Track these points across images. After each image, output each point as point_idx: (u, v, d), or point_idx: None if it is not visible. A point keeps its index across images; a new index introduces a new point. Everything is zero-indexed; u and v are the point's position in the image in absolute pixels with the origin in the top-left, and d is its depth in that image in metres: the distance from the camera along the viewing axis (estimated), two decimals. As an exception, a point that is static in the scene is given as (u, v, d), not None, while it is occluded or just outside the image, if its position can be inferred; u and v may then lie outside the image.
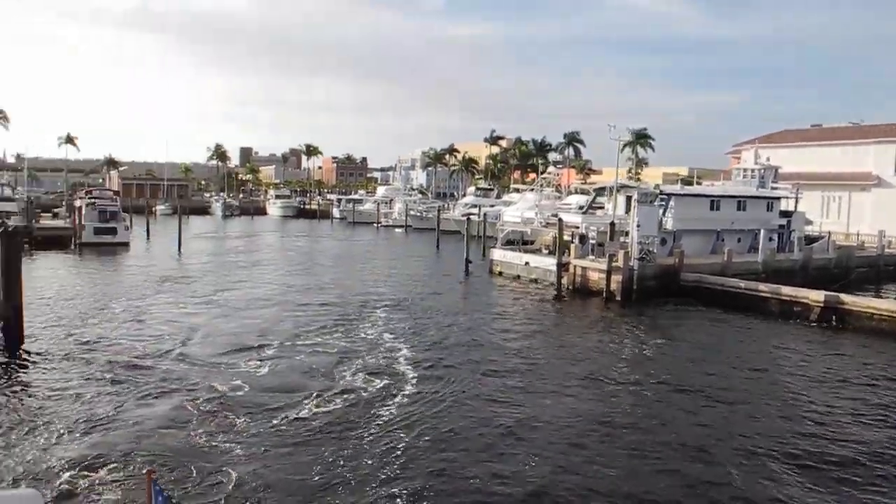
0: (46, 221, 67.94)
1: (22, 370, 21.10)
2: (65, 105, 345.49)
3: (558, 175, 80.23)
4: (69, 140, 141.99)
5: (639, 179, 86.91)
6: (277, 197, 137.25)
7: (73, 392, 18.81)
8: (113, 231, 61.16)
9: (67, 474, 13.49)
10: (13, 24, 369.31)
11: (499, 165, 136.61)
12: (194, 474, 13.62)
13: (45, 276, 40.86)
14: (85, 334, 25.65)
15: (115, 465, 13.99)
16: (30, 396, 18.65)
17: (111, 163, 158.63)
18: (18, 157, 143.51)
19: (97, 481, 13.26)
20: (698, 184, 58.11)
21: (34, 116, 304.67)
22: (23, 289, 23.91)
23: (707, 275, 37.31)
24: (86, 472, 13.61)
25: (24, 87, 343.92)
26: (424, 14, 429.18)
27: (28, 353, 22.71)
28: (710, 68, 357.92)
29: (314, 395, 18.90)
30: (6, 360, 21.90)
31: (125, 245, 60.55)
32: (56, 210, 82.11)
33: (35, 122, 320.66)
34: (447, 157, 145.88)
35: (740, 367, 23.86)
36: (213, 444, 15.28)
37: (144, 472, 9.58)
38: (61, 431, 15.87)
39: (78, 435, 15.66)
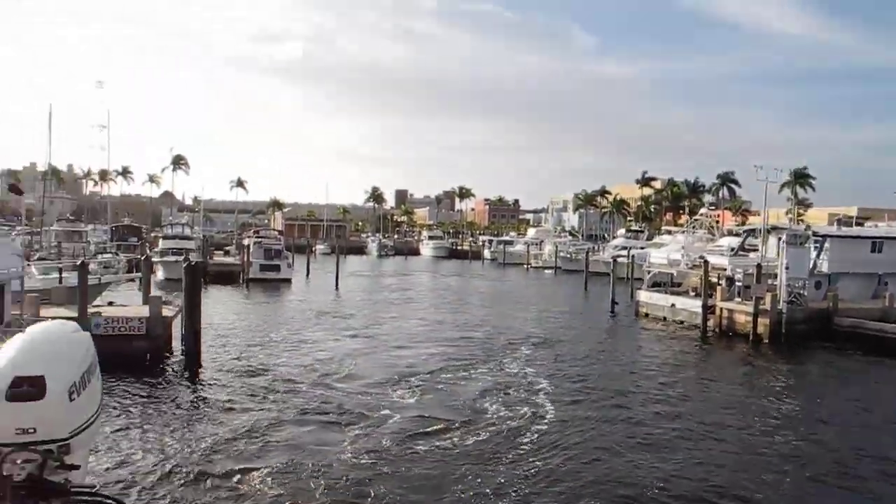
0: (219, 258, 73.55)
1: (199, 385, 23.77)
2: (235, 150, 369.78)
3: (710, 217, 78.59)
4: (239, 184, 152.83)
5: (801, 221, 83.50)
6: (430, 238, 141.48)
7: (240, 406, 20.94)
8: (277, 268, 65.44)
9: (233, 473, 15.29)
10: (189, 77, 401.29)
11: (651, 207, 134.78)
12: (341, 489, 14.97)
13: (217, 307, 44.50)
14: (250, 358, 28.07)
15: (272, 469, 15.64)
16: (205, 406, 21.14)
17: (276, 204, 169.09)
18: (195, 199, 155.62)
19: (254, 482, 14.92)
20: (859, 224, 55.52)
21: (208, 161, 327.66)
22: (201, 316, 26.78)
23: (865, 320, 35.72)
24: (246, 474, 15.36)
25: (199, 134, 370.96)
26: (577, 55, 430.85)
27: (204, 371, 25.46)
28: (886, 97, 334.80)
29: (458, 424, 19.71)
30: (188, 376, 24.81)
31: (287, 281, 64.58)
32: (227, 248, 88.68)
33: (208, 166, 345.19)
34: (598, 198, 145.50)
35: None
36: (361, 462, 16.50)
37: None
38: (227, 437, 17.86)
39: (240, 443, 17.52)
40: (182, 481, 15.01)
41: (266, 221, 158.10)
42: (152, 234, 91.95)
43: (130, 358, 24.71)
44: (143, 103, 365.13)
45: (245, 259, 64.89)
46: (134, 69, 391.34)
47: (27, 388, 3.05)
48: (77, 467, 3.19)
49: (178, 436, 18.15)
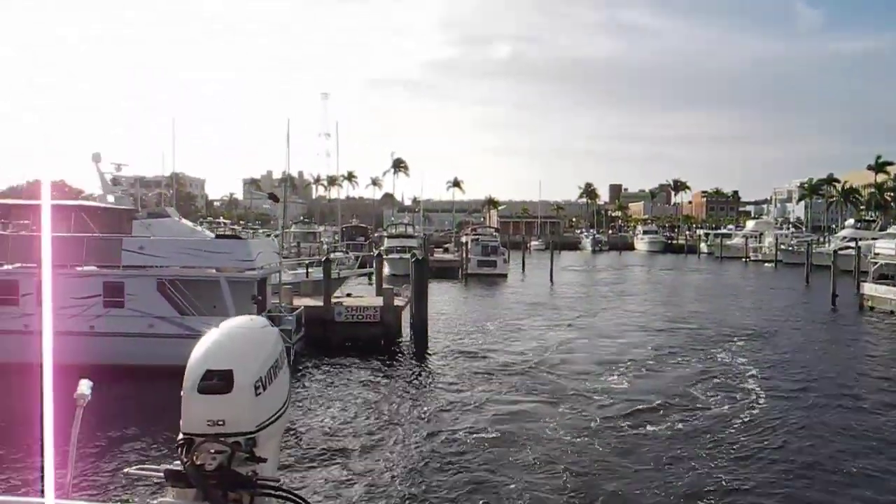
0: (438, 255, 78.12)
1: (426, 366, 26.81)
2: (450, 152, 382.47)
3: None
4: (456, 184, 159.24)
5: None
6: (645, 232, 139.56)
7: (461, 385, 23.58)
8: (493, 264, 68.61)
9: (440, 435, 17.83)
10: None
11: (885, 195, 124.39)
12: (555, 464, 16.89)
13: (439, 299, 48.01)
14: (470, 344, 30.75)
15: (491, 435, 17.98)
16: (431, 384, 24.07)
17: (491, 203, 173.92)
18: (414, 199, 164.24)
19: (465, 443, 17.31)
20: None
21: (425, 163, 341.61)
22: (427, 305, 30.01)
23: None
24: (463, 435, 17.78)
25: (414, 136, 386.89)
26: (801, 33, 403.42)
27: (430, 353, 28.48)
28: None
29: (666, 408, 20.65)
30: (416, 358, 27.97)
31: (503, 276, 67.50)
32: (446, 245, 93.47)
33: (426, 168, 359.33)
34: (825, 187, 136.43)
35: None
36: (573, 440, 17.99)
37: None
38: (447, 411, 20.54)
39: (457, 413, 20.18)
40: (406, 455, 17.50)
41: (482, 219, 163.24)
42: (375, 234, 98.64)
43: (367, 342, 28.24)
44: (356, 109, 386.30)
45: (463, 255, 68.61)
46: (348, 77, 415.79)
47: (216, 382, 3.17)
48: (264, 460, 3.26)
49: (405, 408, 20.98)
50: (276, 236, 42.28)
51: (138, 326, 23.35)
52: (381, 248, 65.76)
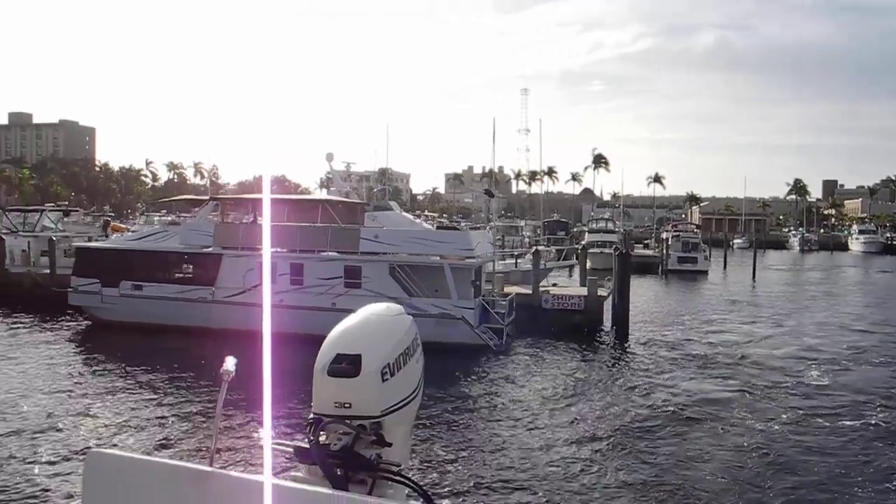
0: (638, 251, 78.51)
1: (626, 352, 28.70)
2: (646, 145, 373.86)
3: None
4: (657, 179, 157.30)
5: None
6: (861, 232, 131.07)
7: (655, 369, 25.46)
8: (694, 260, 68.32)
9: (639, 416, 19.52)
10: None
11: None
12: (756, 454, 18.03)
13: (639, 292, 49.10)
14: (669, 336, 32.14)
15: (683, 421, 19.50)
16: (628, 368, 25.91)
17: (692, 199, 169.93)
18: (614, 195, 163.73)
19: (657, 425, 18.91)
20: None
21: (621, 157, 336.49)
22: (629, 297, 31.71)
23: None
24: (654, 418, 19.44)
25: (612, 132, 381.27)
26: None
27: (630, 342, 30.27)
28: None
29: (873, 405, 20.82)
30: (617, 344, 29.95)
31: (704, 273, 67.03)
32: (646, 241, 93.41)
33: (624, 162, 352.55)
34: None
35: None
36: (767, 429, 19.21)
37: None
38: (641, 392, 22.37)
39: (651, 397, 21.72)
40: (593, 434, 18.35)
41: (682, 216, 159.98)
42: (574, 229, 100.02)
43: (571, 328, 30.37)
44: (552, 104, 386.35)
45: (664, 251, 68.86)
46: (547, 70, 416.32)
47: (345, 366, 3.17)
48: (389, 445, 3.22)
49: (600, 389, 23.03)
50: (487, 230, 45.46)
51: (373, 305, 26.85)
52: (582, 242, 67.39)
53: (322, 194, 49.49)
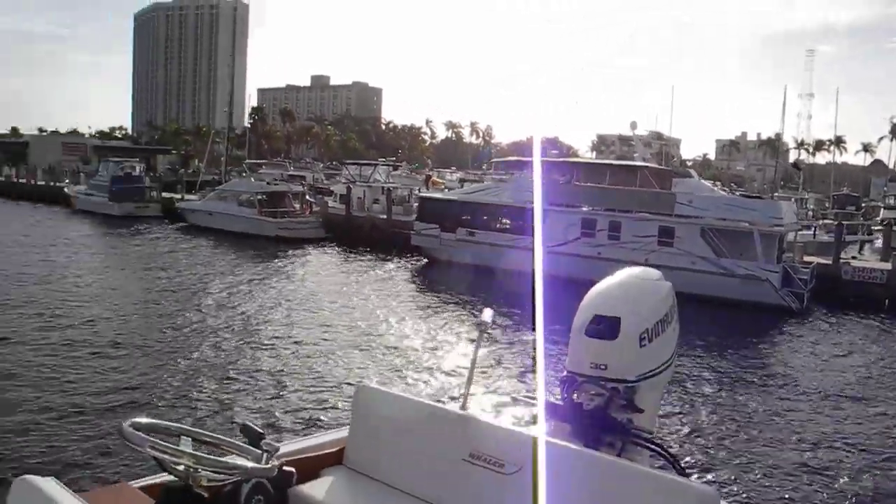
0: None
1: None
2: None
3: None
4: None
5: None
6: None
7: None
8: None
9: None
10: None
11: None
12: None
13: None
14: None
15: None
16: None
17: None
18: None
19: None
20: None
21: None
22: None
23: None
24: None
25: None
26: None
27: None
28: None
29: None
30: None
31: None
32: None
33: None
34: None
35: None
36: None
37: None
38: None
39: None
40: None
41: None
42: (865, 204, 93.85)
43: (871, 302, 31.22)
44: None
45: None
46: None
47: (603, 327, 3.21)
48: (641, 411, 3.23)
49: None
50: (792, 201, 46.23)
51: (683, 263, 29.78)
52: (878, 217, 64.75)
53: (609, 160, 52.52)
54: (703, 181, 39.13)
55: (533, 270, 31.76)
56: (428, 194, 42.22)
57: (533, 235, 32.24)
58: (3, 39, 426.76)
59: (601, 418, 3.18)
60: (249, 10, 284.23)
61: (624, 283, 3.42)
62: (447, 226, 36.25)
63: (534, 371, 13.88)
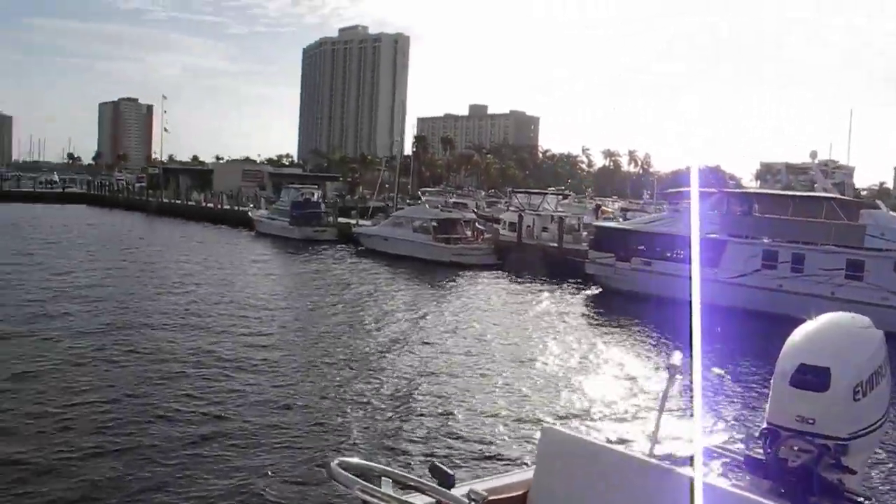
0: None
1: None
2: None
3: None
4: None
5: None
6: None
7: None
8: None
9: None
10: None
11: None
12: None
13: None
14: None
15: None
16: None
17: None
18: None
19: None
20: None
21: None
22: None
23: None
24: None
25: None
26: None
27: None
28: None
29: None
30: None
31: None
32: None
33: None
34: None
35: None
36: None
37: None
38: None
39: None
40: None
41: None
42: None
43: None
44: None
45: None
46: None
47: (811, 378, 2.95)
48: (854, 472, 2.93)
49: None
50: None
51: (874, 297, 28.75)
52: None
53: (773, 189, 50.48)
54: (892, 213, 37.55)
55: (711, 302, 32.00)
56: (603, 224, 42.74)
57: (705, 266, 31.48)
58: (184, 76, 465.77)
59: (809, 478, 2.92)
60: (410, 43, 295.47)
61: (830, 330, 3.22)
62: (622, 255, 36.64)
63: (725, 419, 13.37)
